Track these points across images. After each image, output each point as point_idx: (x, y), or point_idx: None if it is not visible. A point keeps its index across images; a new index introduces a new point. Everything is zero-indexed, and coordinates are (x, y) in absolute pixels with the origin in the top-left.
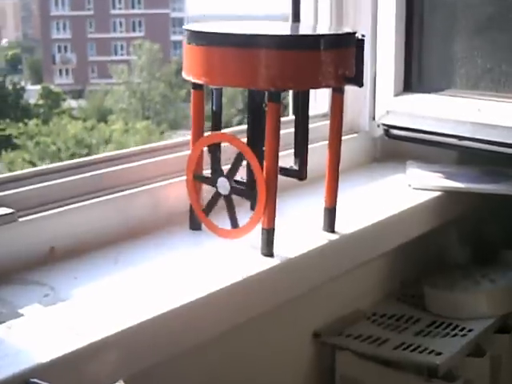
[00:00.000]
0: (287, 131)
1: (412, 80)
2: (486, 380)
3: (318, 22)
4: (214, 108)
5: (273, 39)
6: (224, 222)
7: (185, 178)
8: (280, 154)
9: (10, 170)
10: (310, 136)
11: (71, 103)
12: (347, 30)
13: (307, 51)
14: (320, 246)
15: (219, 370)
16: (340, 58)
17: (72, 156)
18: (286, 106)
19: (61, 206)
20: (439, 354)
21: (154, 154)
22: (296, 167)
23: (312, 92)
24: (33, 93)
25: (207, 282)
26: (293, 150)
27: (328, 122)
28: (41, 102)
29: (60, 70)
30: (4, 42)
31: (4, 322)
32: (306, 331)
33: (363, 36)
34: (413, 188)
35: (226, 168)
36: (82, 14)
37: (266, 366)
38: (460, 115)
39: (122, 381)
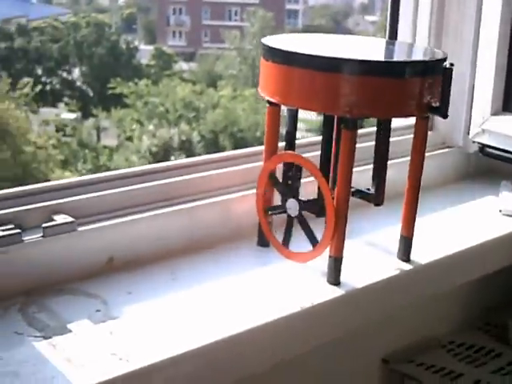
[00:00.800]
0: (365, 145)
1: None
2: None
3: (415, 36)
4: (287, 128)
5: (353, 64)
6: (294, 242)
7: (255, 191)
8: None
9: (119, 128)
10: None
11: (182, 66)
12: (438, 54)
13: (388, 78)
14: (391, 276)
15: None
16: (425, 86)
17: (179, 118)
18: None
19: (122, 216)
20: None
21: (223, 164)
22: (372, 191)
23: None
24: (145, 53)
25: (267, 308)
26: (369, 166)
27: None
28: (152, 62)
29: (173, 32)
30: (121, 0)
31: (50, 337)
32: (375, 357)
33: (452, 65)
34: (503, 214)
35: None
36: None
37: None
38: None
39: None
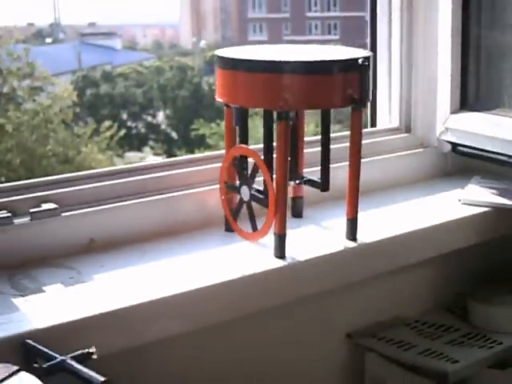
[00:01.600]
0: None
1: (469, 98)
2: None
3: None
4: (234, 124)
5: (282, 65)
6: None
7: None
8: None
9: None
10: (379, 149)
11: None
12: (359, 54)
13: (313, 75)
14: (334, 252)
15: (247, 363)
16: (346, 81)
17: None
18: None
19: (102, 205)
20: (456, 362)
21: (197, 164)
22: (319, 179)
23: (386, 105)
24: None
25: (214, 275)
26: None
27: (397, 136)
28: None
29: None
30: (203, 43)
31: (27, 295)
32: (339, 332)
33: (364, 61)
34: (462, 203)
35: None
36: (278, 16)
37: (297, 362)
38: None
39: (94, 347)
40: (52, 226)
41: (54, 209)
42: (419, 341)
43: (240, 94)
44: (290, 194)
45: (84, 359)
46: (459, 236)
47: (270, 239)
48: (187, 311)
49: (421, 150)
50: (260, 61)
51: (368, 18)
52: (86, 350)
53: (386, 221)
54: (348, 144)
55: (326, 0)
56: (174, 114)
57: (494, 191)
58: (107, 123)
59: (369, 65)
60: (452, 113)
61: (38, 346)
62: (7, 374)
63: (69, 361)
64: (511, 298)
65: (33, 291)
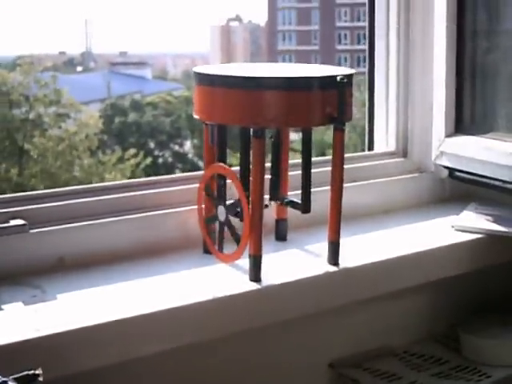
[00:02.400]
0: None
1: (464, 121)
2: None
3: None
4: (211, 142)
5: (255, 81)
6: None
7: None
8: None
9: None
10: (375, 173)
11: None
12: (338, 72)
13: (290, 92)
14: (313, 275)
15: None
16: (324, 99)
17: None
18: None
19: (74, 222)
20: None
21: (177, 183)
22: (300, 201)
23: (383, 128)
24: None
25: (186, 296)
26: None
27: (393, 160)
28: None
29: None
30: None
31: None
32: (322, 361)
33: (342, 79)
34: (455, 229)
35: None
36: (307, 48)
37: None
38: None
39: (40, 369)
40: (20, 242)
41: (23, 225)
42: (406, 372)
43: (217, 111)
44: (274, 215)
45: (28, 381)
46: (450, 263)
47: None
48: (151, 333)
49: (417, 174)
50: (237, 77)
51: (366, 45)
52: (32, 372)
53: (374, 246)
54: None
55: (355, 33)
56: (201, 143)
57: (489, 218)
58: (132, 151)
59: (349, 83)
60: (447, 136)
61: None
62: None
63: (10, 383)
64: (505, 329)
65: None
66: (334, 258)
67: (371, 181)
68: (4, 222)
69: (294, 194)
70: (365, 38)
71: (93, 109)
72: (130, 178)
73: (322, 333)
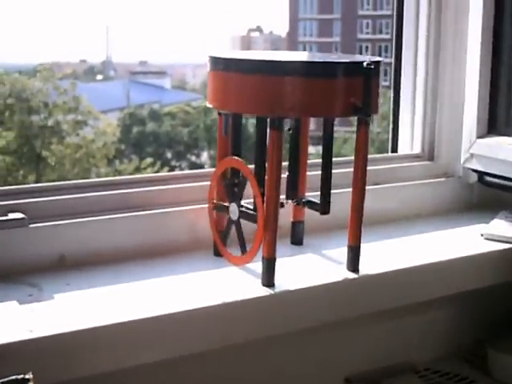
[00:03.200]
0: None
1: (498, 121)
2: None
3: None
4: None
5: (274, 65)
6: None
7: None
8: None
9: None
10: (398, 176)
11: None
12: (364, 59)
13: (311, 78)
14: (329, 283)
15: None
16: (347, 87)
17: None
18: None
19: (77, 218)
20: None
21: (188, 180)
22: (319, 201)
23: (408, 129)
24: None
25: (194, 300)
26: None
27: (418, 163)
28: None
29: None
30: None
31: None
32: (337, 376)
33: (369, 65)
34: (484, 238)
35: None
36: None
37: None
38: None
39: (31, 373)
40: (18, 237)
41: (21, 219)
42: None
43: (231, 99)
44: (290, 217)
45: None
46: (478, 274)
47: None
48: (153, 339)
49: (444, 179)
50: (253, 60)
51: (393, 40)
52: (21, 376)
53: (396, 253)
54: None
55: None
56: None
57: None
58: (149, 160)
59: (376, 71)
60: (479, 137)
61: None
62: None
63: None
64: None
65: None
66: (353, 264)
67: (394, 184)
68: (2, 215)
69: (313, 195)
70: (386, 51)
71: (112, 117)
72: None
73: (338, 345)
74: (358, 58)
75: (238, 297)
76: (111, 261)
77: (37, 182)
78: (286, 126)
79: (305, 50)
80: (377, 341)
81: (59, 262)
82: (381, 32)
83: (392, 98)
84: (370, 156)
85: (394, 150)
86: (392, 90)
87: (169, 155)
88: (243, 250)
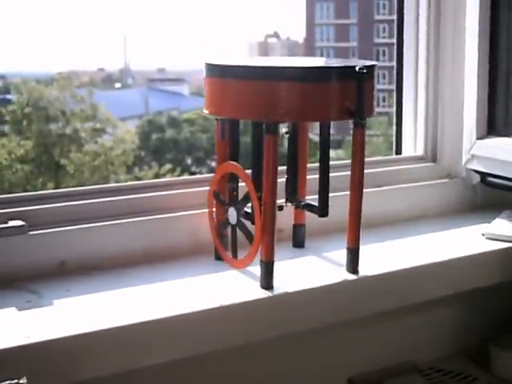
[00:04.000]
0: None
1: (497, 122)
2: None
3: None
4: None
5: (262, 71)
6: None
7: None
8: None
9: None
10: (402, 178)
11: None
12: (357, 63)
13: (305, 83)
14: (327, 284)
15: None
16: (341, 91)
17: None
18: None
19: (77, 224)
20: None
21: (188, 186)
22: (317, 204)
23: (411, 132)
24: None
25: (192, 303)
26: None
27: (422, 165)
28: None
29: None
30: None
31: None
32: (340, 376)
33: (361, 69)
34: (486, 237)
35: None
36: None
37: None
38: None
39: (25, 377)
40: (18, 244)
41: (21, 226)
42: None
43: (227, 105)
44: (291, 220)
45: None
46: (480, 273)
47: None
48: (151, 342)
49: (447, 180)
50: (248, 67)
51: (395, 44)
52: (15, 381)
53: (399, 254)
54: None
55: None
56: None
57: None
58: (168, 166)
59: (369, 75)
60: (478, 138)
61: None
62: None
63: None
64: None
65: None
66: (352, 265)
67: (398, 186)
68: (2, 223)
69: (314, 199)
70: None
71: (131, 125)
72: None
73: (340, 346)
74: (351, 62)
75: (236, 299)
76: (111, 266)
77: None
78: (285, 129)
79: (322, 55)
80: (380, 341)
81: (59, 268)
82: None
83: (395, 102)
84: (374, 158)
85: (399, 151)
86: (395, 94)
87: (189, 161)
88: (235, 254)
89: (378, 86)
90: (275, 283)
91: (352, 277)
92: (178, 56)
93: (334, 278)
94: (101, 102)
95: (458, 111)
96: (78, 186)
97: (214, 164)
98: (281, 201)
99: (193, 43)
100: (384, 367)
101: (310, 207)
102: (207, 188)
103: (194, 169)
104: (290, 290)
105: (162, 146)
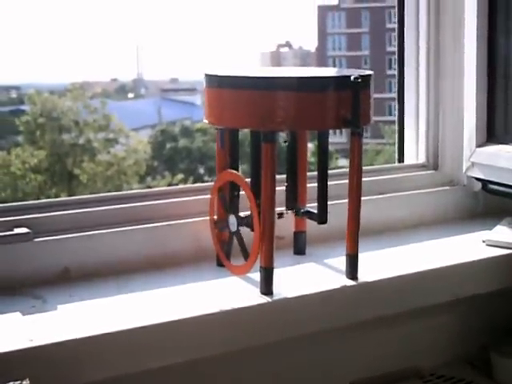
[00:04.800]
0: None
1: (496, 129)
2: None
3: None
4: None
5: (259, 81)
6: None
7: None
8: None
9: None
10: (404, 185)
11: (342, 162)
12: (351, 73)
13: (301, 92)
14: (327, 290)
15: None
16: (336, 100)
17: None
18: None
19: (80, 232)
20: None
21: (190, 194)
22: (316, 211)
23: (413, 140)
24: None
25: (192, 308)
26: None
27: (424, 172)
28: (312, 159)
29: (334, 131)
30: None
31: None
32: (341, 381)
33: (356, 79)
34: (486, 244)
35: None
36: None
37: None
38: None
39: (28, 380)
40: (23, 251)
41: (27, 233)
42: None
43: (226, 114)
44: (292, 228)
45: None
46: (481, 280)
47: None
48: (152, 346)
49: (448, 187)
50: (245, 77)
51: (396, 53)
52: (18, 382)
53: (399, 261)
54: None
55: None
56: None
57: None
58: (180, 176)
59: (365, 84)
60: (478, 146)
61: None
62: None
63: None
64: None
65: None
66: (352, 271)
67: (400, 193)
68: (8, 230)
69: (314, 206)
70: None
71: (144, 135)
72: None
73: (339, 352)
74: (347, 72)
75: (236, 305)
76: (114, 273)
77: None
78: (284, 138)
79: (334, 64)
80: (379, 347)
81: (63, 274)
82: None
83: (397, 110)
84: (377, 166)
85: (401, 159)
86: (396, 102)
87: (201, 171)
88: (246, 257)
89: (389, 95)
90: (275, 289)
91: (351, 283)
92: (190, 66)
93: (333, 284)
94: (114, 113)
95: (458, 119)
96: None
97: None
98: (281, 208)
99: (205, 53)
100: (385, 373)
101: (309, 214)
102: (207, 196)
103: (206, 178)
104: (290, 295)
105: (175, 155)
